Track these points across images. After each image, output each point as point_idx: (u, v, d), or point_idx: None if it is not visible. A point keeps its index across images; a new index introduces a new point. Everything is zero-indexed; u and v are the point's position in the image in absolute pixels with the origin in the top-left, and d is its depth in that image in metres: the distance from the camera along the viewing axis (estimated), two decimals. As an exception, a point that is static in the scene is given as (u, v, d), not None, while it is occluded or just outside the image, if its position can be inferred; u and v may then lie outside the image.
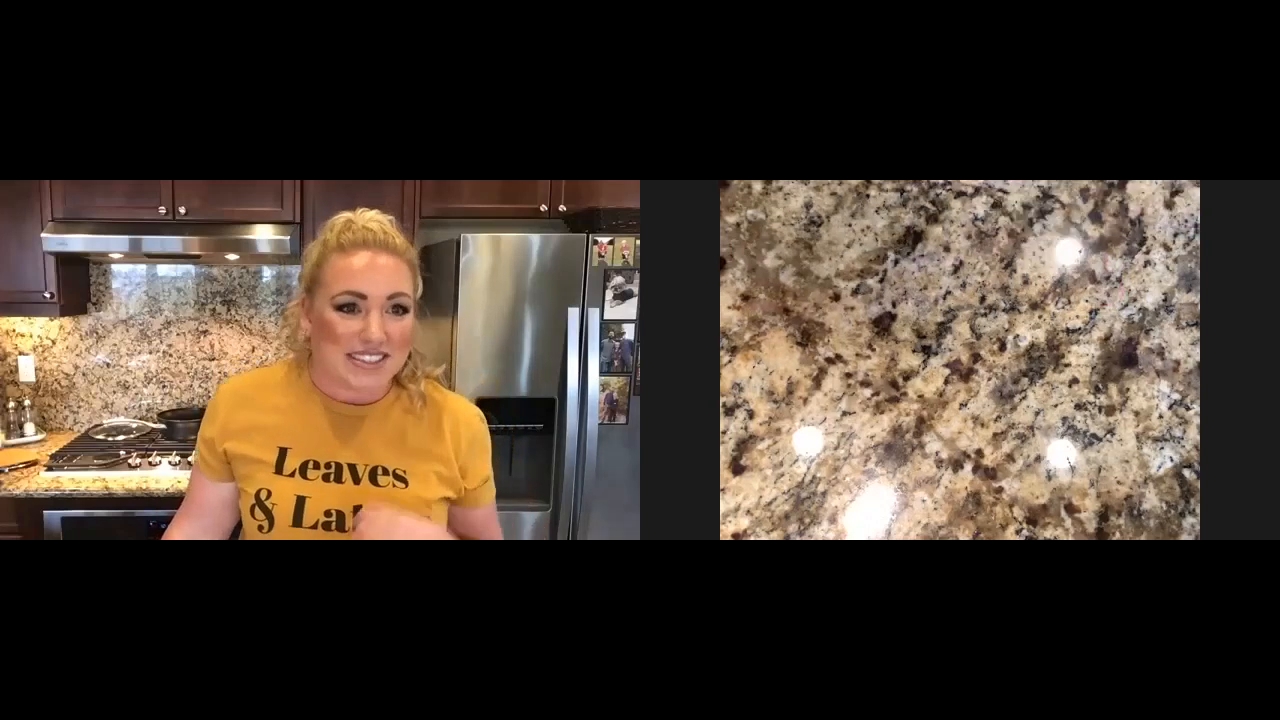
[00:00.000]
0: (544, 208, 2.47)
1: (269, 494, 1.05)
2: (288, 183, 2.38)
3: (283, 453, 1.07)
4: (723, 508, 1.07)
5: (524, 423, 2.27)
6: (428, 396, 1.11)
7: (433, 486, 1.09)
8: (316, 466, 1.07)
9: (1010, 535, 1.10)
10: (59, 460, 2.26)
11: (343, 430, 1.08)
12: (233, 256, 2.51)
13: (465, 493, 1.13)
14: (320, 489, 1.06)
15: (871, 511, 1.09)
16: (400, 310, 1.03)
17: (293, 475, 1.06)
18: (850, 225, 1.14)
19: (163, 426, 2.59)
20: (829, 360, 1.11)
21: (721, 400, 1.09)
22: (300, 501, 1.04)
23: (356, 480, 1.07)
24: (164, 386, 2.75)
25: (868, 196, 1.15)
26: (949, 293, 1.14)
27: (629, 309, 2.22)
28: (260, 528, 1.05)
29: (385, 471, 1.07)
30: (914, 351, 1.13)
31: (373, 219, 1.04)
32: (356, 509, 1.04)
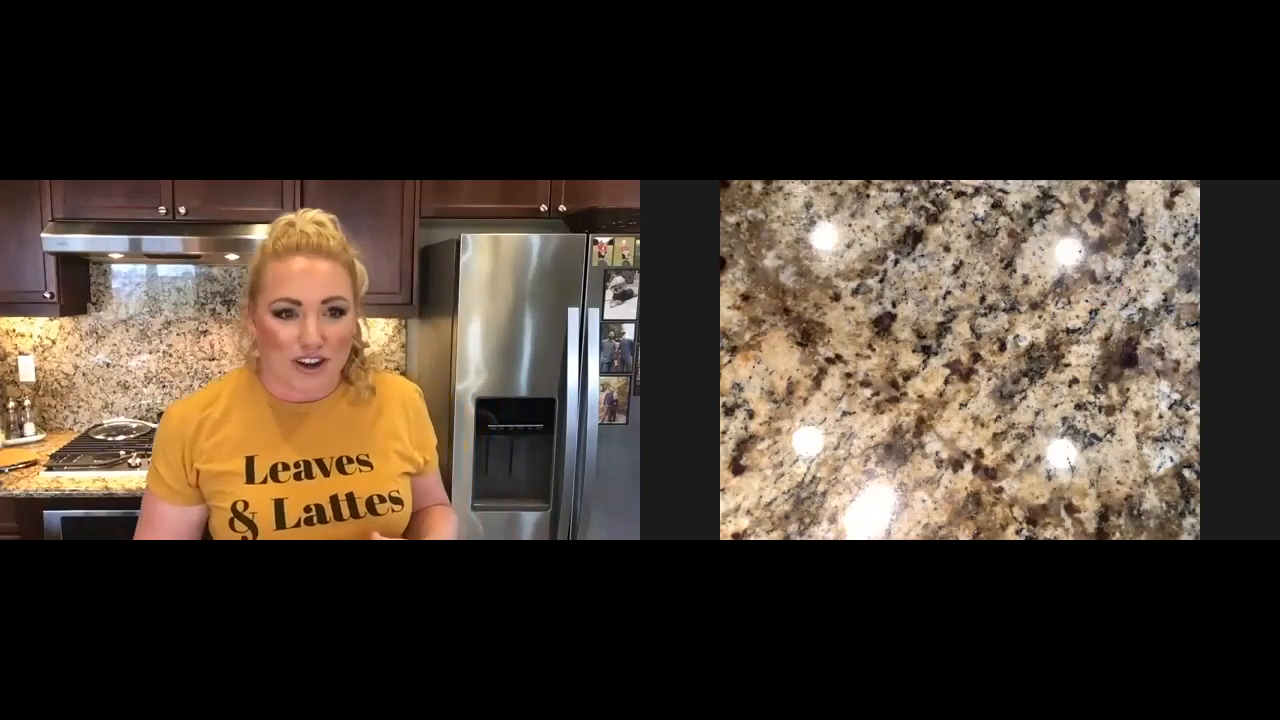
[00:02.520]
0: (544, 208, 2.47)
1: (246, 504, 1.05)
2: (288, 183, 2.38)
3: (250, 461, 1.08)
4: (723, 508, 1.07)
5: (524, 423, 2.27)
6: (376, 382, 1.16)
7: (395, 463, 1.14)
8: (285, 468, 1.08)
9: (1010, 535, 1.10)
10: (59, 460, 2.26)
11: (299, 428, 1.11)
12: (233, 256, 2.51)
13: (421, 464, 1.18)
14: (294, 488, 1.07)
15: (871, 511, 1.09)
16: (337, 313, 1.05)
17: (265, 481, 1.07)
18: (850, 225, 1.14)
19: (163, 426, 2.59)
20: (829, 360, 1.11)
21: (721, 400, 1.09)
22: (279, 505, 1.06)
23: (326, 473, 1.09)
24: (164, 386, 2.75)
25: (868, 196, 1.15)
26: (949, 293, 1.14)
27: (629, 309, 2.22)
28: (244, 539, 1.05)
29: (350, 460, 1.11)
30: (914, 351, 1.13)
31: (311, 221, 1.06)
32: (333, 499, 1.07)
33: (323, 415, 1.12)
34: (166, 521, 1.11)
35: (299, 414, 1.11)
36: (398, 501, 1.11)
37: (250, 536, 1.05)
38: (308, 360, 1.05)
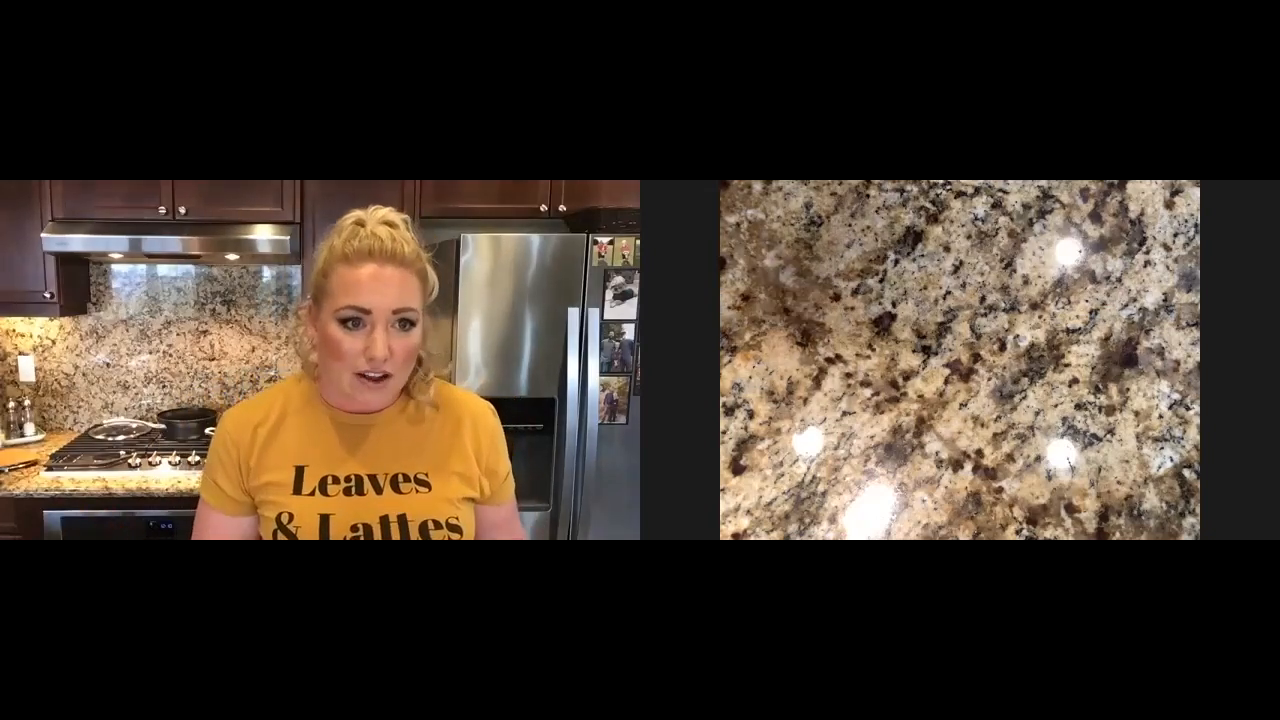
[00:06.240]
0: (544, 208, 2.47)
1: (290, 517, 1.01)
2: (288, 183, 2.39)
3: (299, 471, 1.03)
4: (723, 508, 1.07)
5: (524, 423, 2.27)
6: (441, 396, 1.09)
7: (455, 487, 1.06)
8: (335, 481, 1.03)
9: (1010, 535, 1.10)
10: (59, 460, 2.26)
11: (356, 440, 1.05)
12: (233, 256, 2.51)
13: (489, 491, 1.11)
14: (343, 504, 1.02)
15: (871, 511, 1.09)
16: (406, 324, 1.00)
17: (312, 494, 1.02)
18: (850, 225, 1.14)
19: (163, 426, 2.59)
20: (829, 360, 1.11)
21: (721, 400, 1.09)
22: (324, 520, 1.01)
23: (379, 490, 1.04)
24: (164, 386, 2.75)
25: (868, 196, 1.15)
26: (949, 293, 1.14)
27: (629, 309, 2.22)
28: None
29: (406, 478, 1.05)
30: (914, 351, 1.13)
31: (383, 221, 1.01)
32: (383, 519, 1.02)
33: (382, 429, 1.06)
34: (219, 532, 1.06)
35: (356, 426, 1.05)
36: (455, 529, 1.03)
37: None
38: (371, 374, 0.98)
